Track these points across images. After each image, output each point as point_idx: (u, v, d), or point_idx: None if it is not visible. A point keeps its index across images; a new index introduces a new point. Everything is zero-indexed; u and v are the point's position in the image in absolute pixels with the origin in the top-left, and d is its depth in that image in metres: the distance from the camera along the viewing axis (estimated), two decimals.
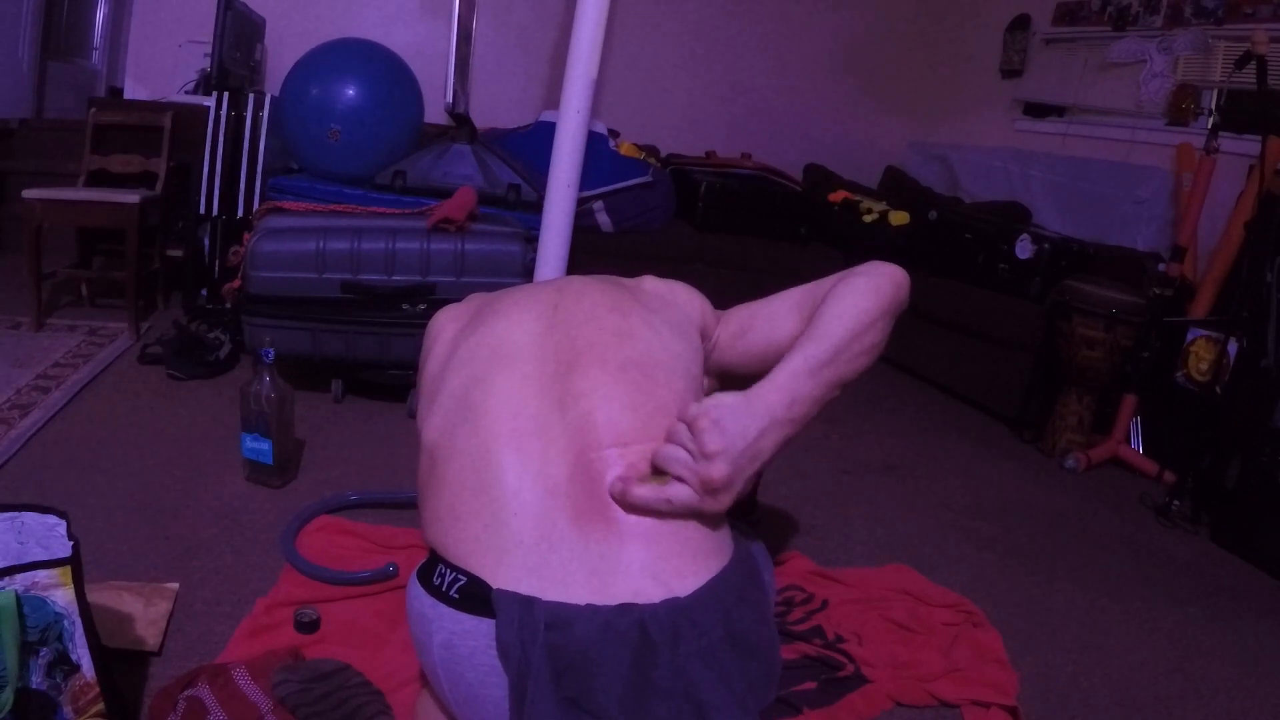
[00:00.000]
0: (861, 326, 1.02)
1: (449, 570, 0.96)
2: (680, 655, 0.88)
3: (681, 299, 1.23)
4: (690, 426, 0.93)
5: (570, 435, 0.97)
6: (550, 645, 0.87)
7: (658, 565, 0.92)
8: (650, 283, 1.25)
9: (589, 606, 0.88)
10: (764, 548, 1.34)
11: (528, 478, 0.96)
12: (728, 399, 0.95)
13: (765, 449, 0.95)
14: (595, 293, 1.15)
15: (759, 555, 1.17)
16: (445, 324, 1.23)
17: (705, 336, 1.20)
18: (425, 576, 0.99)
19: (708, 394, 1.09)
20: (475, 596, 0.92)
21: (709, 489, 0.91)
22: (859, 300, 1.05)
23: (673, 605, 0.90)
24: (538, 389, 1.02)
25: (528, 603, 0.89)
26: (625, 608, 0.88)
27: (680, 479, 0.92)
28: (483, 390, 1.04)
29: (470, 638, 0.92)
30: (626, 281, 1.25)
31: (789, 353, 1.01)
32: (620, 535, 0.92)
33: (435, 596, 0.96)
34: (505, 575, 0.92)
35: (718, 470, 0.91)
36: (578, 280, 1.22)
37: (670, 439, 0.95)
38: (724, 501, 0.94)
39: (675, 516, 0.93)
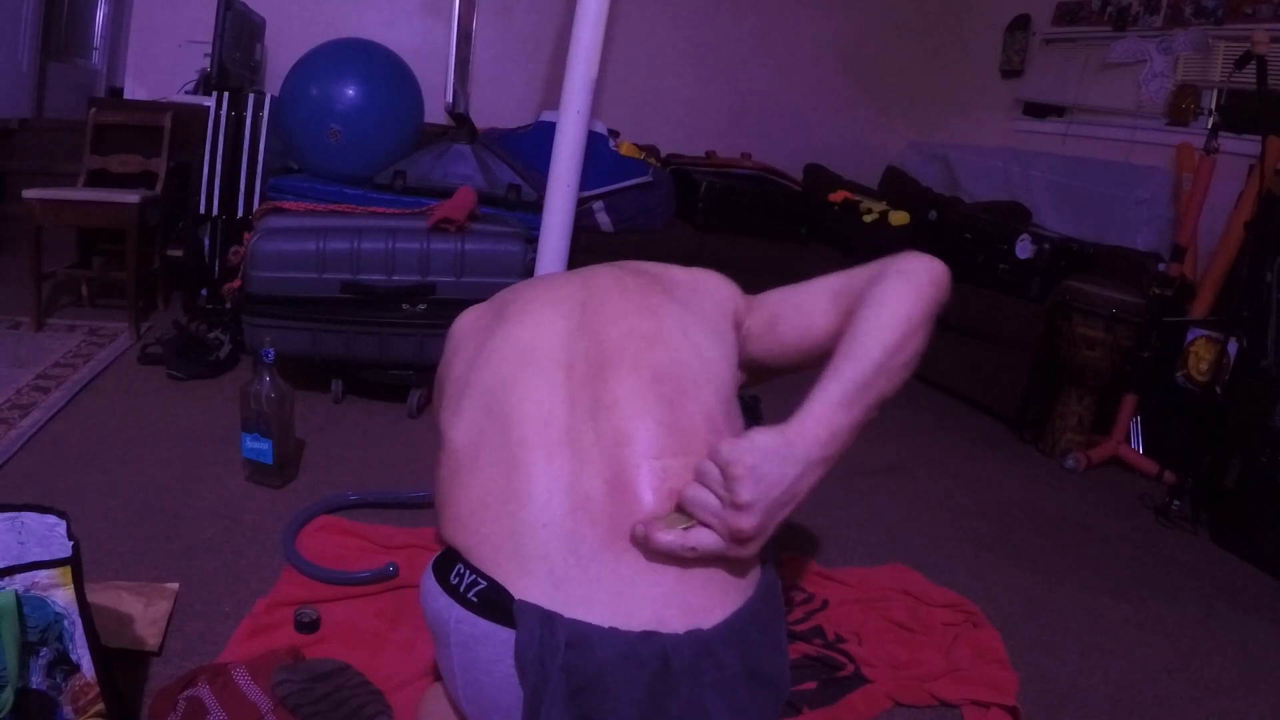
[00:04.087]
0: (902, 338, 0.93)
1: (469, 571, 0.94)
2: (697, 686, 0.87)
3: (710, 286, 1.18)
4: (723, 471, 0.85)
5: (603, 450, 0.94)
6: (569, 664, 0.85)
7: (685, 597, 0.89)
8: (676, 271, 1.19)
9: (611, 630, 0.86)
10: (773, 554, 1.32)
11: (558, 490, 0.93)
12: (764, 440, 0.86)
13: (801, 492, 0.88)
14: (623, 289, 1.11)
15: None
16: (469, 323, 1.20)
17: (737, 326, 1.15)
18: (442, 572, 0.97)
19: (741, 386, 1.05)
20: (495, 604, 0.90)
21: (738, 540, 0.86)
22: (898, 310, 0.95)
23: (696, 637, 0.88)
24: (567, 395, 0.99)
25: (549, 619, 0.87)
26: (649, 636, 0.87)
27: (706, 524, 0.87)
28: (511, 394, 1.01)
29: (488, 643, 0.91)
30: (652, 268, 1.19)
31: (824, 377, 0.92)
32: (651, 560, 0.89)
33: (451, 596, 0.94)
34: (528, 586, 0.89)
35: (749, 521, 0.85)
36: (603, 272, 1.17)
37: (700, 478, 0.88)
38: (752, 549, 0.88)
39: (699, 562, 0.89)
